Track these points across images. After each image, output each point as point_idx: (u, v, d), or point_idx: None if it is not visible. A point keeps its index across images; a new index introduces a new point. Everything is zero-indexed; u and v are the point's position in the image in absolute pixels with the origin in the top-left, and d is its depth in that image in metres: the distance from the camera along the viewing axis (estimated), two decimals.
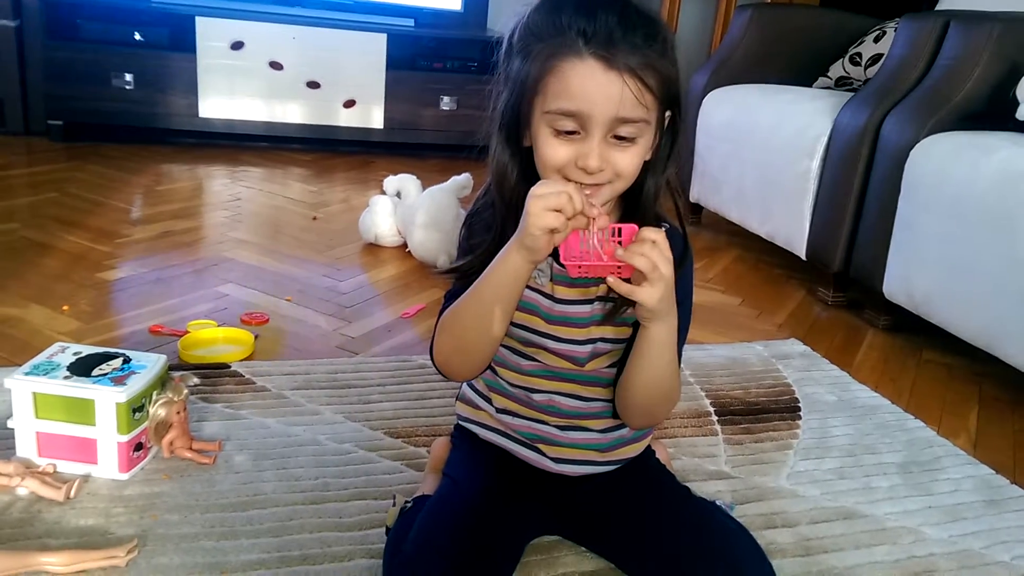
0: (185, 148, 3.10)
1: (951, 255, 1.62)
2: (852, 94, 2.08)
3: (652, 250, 0.74)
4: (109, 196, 2.38)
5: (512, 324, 0.91)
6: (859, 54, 2.46)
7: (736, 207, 2.39)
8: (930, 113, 1.74)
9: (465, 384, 1.03)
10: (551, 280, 0.89)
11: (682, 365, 1.53)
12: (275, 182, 2.78)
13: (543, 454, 0.95)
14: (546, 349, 0.91)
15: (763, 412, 1.42)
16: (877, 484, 1.21)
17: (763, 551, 0.86)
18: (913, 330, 1.82)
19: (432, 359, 0.90)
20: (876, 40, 2.43)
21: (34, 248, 1.89)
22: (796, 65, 2.57)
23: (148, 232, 2.11)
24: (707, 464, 1.23)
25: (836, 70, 2.52)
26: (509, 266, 0.79)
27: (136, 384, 1.05)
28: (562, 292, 0.89)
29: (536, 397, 0.93)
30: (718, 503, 1.02)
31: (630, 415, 0.90)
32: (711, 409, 1.41)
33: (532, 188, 0.75)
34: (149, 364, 1.10)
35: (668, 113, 0.83)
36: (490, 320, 0.83)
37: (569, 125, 0.77)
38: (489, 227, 0.87)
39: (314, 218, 2.37)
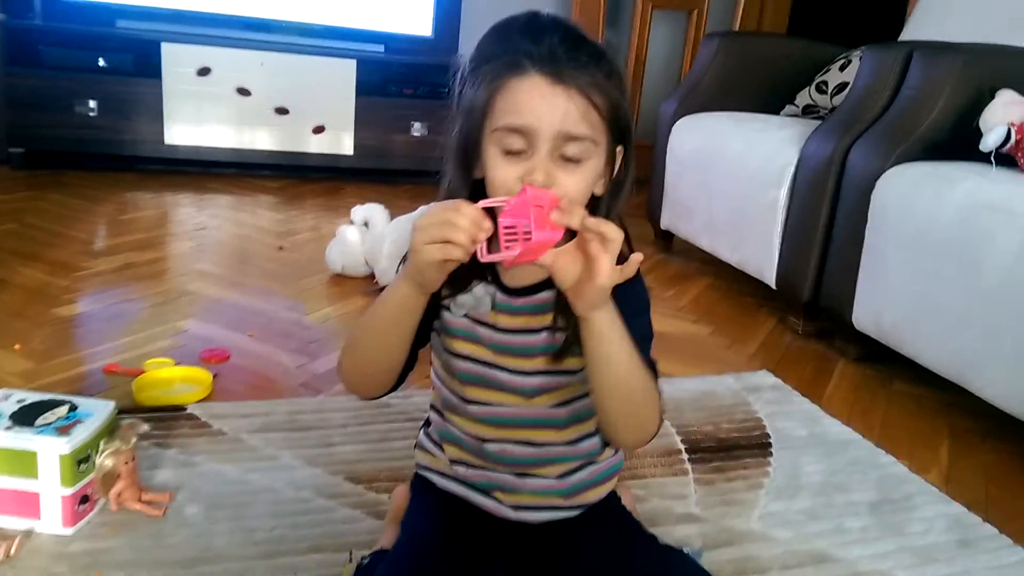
0: (151, 175, 3.05)
1: (917, 285, 1.62)
2: (819, 122, 2.09)
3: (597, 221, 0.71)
4: (70, 227, 2.33)
5: (455, 356, 0.89)
6: (825, 82, 2.48)
7: (707, 235, 2.38)
8: (895, 143, 1.75)
9: (422, 431, 1.00)
10: (493, 309, 0.86)
11: None
12: (242, 210, 2.74)
13: (500, 502, 0.92)
14: (494, 382, 0.88)
15: (734, 448, 1.40)
16: (849, 525, 1.19)
17: None
18: (883, 360, 1.81)
19: (340, 377, 0.89)
20: (842, 68, 2.45)
21: None
22: (764, 93, 2.59)
23: (109, 264, 2.06)
24: (677, 507, 1.20)
25: (803, 98, 2.54)
26: (400, 296, 0.79)
27: (81, 434, 1.01)
28: (505, 321, 0.86)
29: (488, 447, 0.90)
30: (686, 550, 0.99)
31: (614, 431, 0.85)
32: (681, 447, 1.39)
33: (417, 218, 0.74)
34: (96, 412, 1.06)
35: (620, 149, 0.82)
36: (387, 346, 0.83)
37: (516, 143, 0.76)
38: None
39: (280, 248, 2.33)
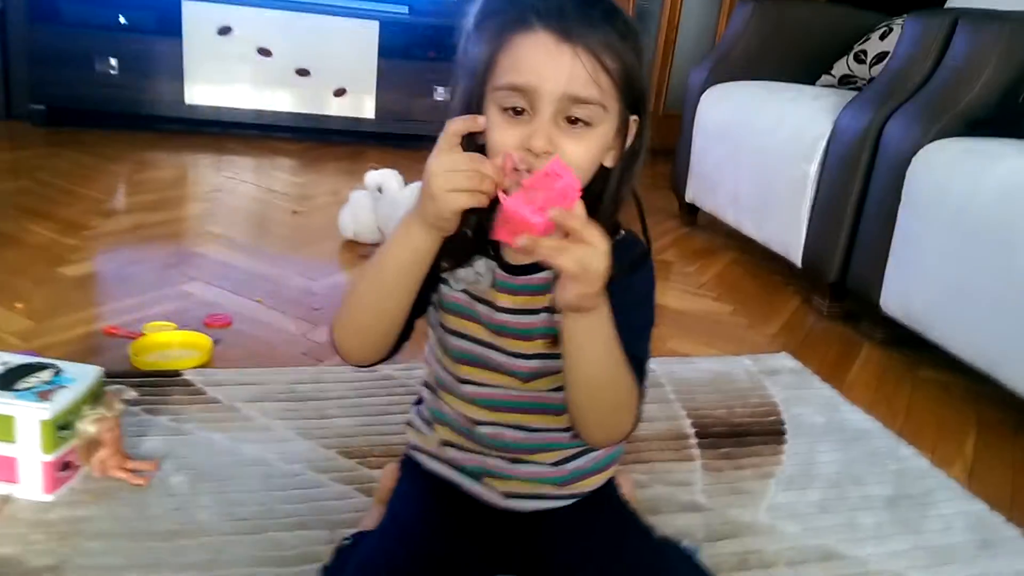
0: (170, 135, 3.03)
1: (951, 269, 1.53)
2: (855, 93, 1.99)
3: (585, 249, 0.64)
4: (84, 185, 2.31)
5: (451, 333, 0.84)
6: (864, 51, 2.36)
7: (732, 210, 2.30)
8: (935, 117, 1.65)
9: (413, 409, 0.95)
10: (492, 286, 0.81)
11: (664, 381, 1.47)
12: (260, 172, 2.71)
13: (492, 488, 0.88)
14: (489, 363, 0.83)
15: (746, 435, 1.34)
16: (862, 520, 1.13)
17: None
18: (911, 345, 1.73)
19: (331, 337, 0.81)
20: (882, 37, 2.33)
21: None
22: (799, 62, 2.48)
23: (119, 224, 2.03)
24: (681, 494, 1.15)
25: (840, 68, 2.42)
26: (414, 243, 0.72)
27: (63, 399, 0.98)
28: (505, 300, 0.81)
29: (480, 429, 0.85)
30: (684, 544, 0.94)
31: (583, 427, 0.79)
32: (691, 431, 1.33)
33: (432, 162, 0.67)
34: (81, 377, 1.03)
35: (634, 118, 0.76)
36: (391, 298, 0.76)
37: (518, 101, 0.70)
38: None
39: (294, 212, 2.29)
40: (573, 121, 0.70)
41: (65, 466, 1.00)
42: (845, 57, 2.42)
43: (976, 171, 1.50)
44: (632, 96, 0.74)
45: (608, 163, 0.76)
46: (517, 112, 0.71)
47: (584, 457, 0.89)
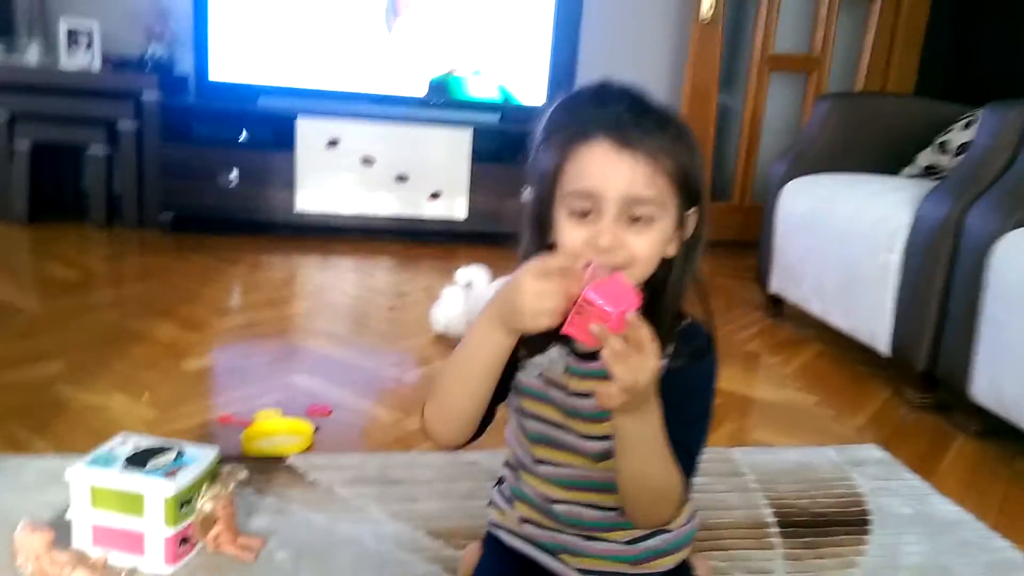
0: (282, 239, 3.28)
1: None
2: (938, 183, 2.00)
3: (641, 360, 0.71)
4: (205, 285, 2.54)
5: (528, 416, 0.91)
6: (947, 142, 2.38)
7: (817, 300, 2.31)
8: (1016, 205, 1.66)
9: (495, 489, 1.02)
10: (565, 371, 0.88)
11: (746, 469, 1.49)
12: (361, 272, 2.90)
13: (567, 564, 0.93)
14: (562, 444, 0.89)
15: (829, 524, 1.33)
16: None
17: None
18: (1007, 435, 1.68)
19: (422, 423, 0.89)
20: (966, 127, 2.35)
21: (129, 337, 2.02)
22: (881, 154, 2.51)
23: (236, 321, 2.22)
24: None
25: (924, 158, 2.44)
26: (496, 341, 0.79)
27: (185, 478, 1.10)
28: (576, 384, 0.88)
29: (556, 507, 0.91)
30: None
31: (629, 511, 0.86)
32: (772, 519, 1.34)
33: (525, 281, 0.74)
34: (200, 458, 1.15)
35: (693, 210, 0.84)
36: (473, 390, 0.83)
37: (585, 205, 0.79)
38: None
39: (390, 308, 2.44)
40: (635, 219, 0.79)
41: (184, 540, 1.11)
42: (929, 148, 2.44)
43: None
44: (688, 191, 0.82)
45: (670, 252, 0.84)
46: (584, 215, 0.79)
47: (657, 537, 0.94)
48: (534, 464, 0.93)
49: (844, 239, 2.16)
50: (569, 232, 0.80)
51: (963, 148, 2.31)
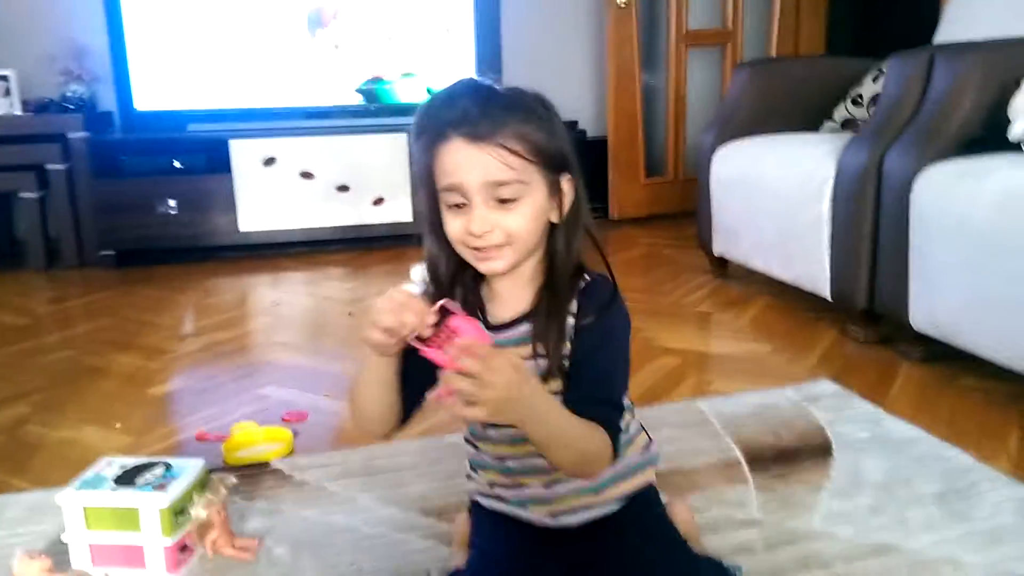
0: (229, 261, 3.26)
1: (966, 280, 1.62)
2: (855, 135, 2.12)
3: (475, 371, 0.75)
4: (159, 315, 2.52)
5: None
6: (860, 95, 2.51)
7: (759, 256, 2.41)
8: (927, 145, 1.77)
9: (468, 461, 1.07)
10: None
11: (712, 418, 1.56)
12: (313, 284, 2.91)
13: (538, 512, 0.98)
14: None
15: (794, 456, 1.42)
16: (913, 516, 1.20)
17: None
18: (949, 359, 1.80)
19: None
20: (875, 80, 2.48)
21: (90, 372, 2.01)
22: (800, 113, 2.63)
23: (195, 345, 2.22)
24: (737, 513, 1.23)
25: (840, 112, 2.57)
26: (372, 361, 0.88)
27: (177, 489, 1.12)
28: None
29: (510, 463, 0.97)
30: (725, 564, 1.01)
31: (565, 474, 0.93)
32: (741, 458, 1.41)
33: (381, 297, 0.83)
34: (188, 469, 1.17)
35: (566, 177, 0.91)
36: (375, 398, 0.92)
37: (456, 198, 0.87)
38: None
39: (349, 314, 2.47)
40: (503, 201, 0.87)
41: (183, 548, 1.13)
42: (843, 102, 2.57)
43: (972, 186, 1.61)
44: (551, 161, 0.89)
45: (554, 219, 0.92)
46: (459, 206, 0.88)
47: (611, 468, 0.98)
48: (484, 431, 0.98)
49: (776, 196, 2.27)
50: (450, 223, 0.89)
51: (875, 99, 2.44)
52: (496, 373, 0.75)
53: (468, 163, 0.85)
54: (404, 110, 3.49)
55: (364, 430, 0.97)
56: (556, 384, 0.92)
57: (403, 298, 0.82)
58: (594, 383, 0.90)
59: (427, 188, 0.90)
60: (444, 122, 0.86)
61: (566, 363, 0.90)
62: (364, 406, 0.93)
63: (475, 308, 0.95)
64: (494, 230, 0.87)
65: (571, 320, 0.91)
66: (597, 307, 0.91)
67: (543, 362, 0.91)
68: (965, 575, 1.06)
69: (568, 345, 0.90)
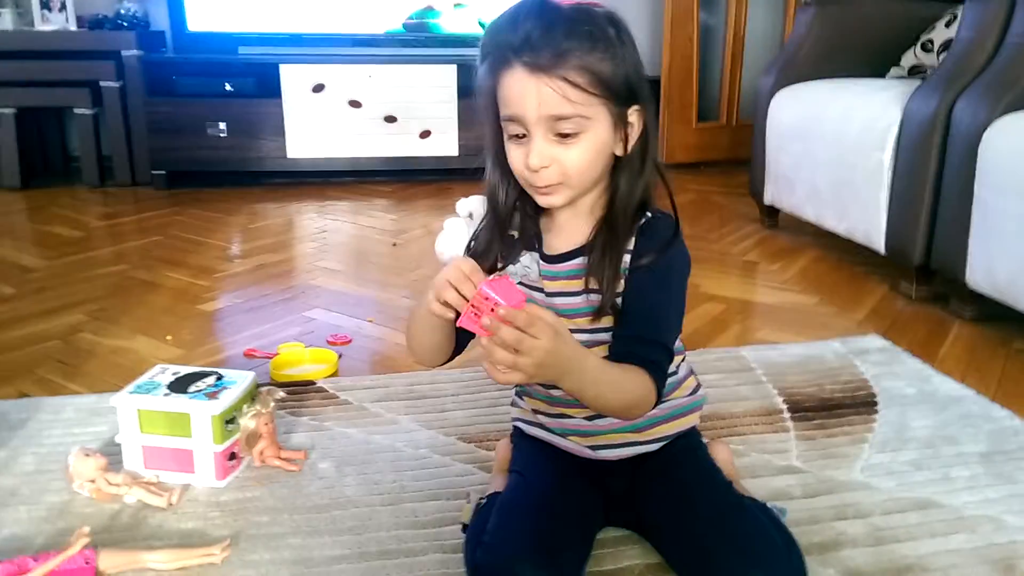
0: (276, 187, 3.29)
1: None
2: (923, 81, 2.03)
3: (512, 341, 0.74)
4: (208, 236, 2.56)
5: None
6: (931, 40, 2.40)
7: (811, 206, 2.35)
8: (1001, 93, 1.69)
9: (514, 388, 1.08)
10: (540, 276, 0.94)
11: (755, 365, 1.55)
12: (359, 213, 2.92)
13: (579, 444, 0.99)
14: None
15: (837, 408, 1.40)
16: (957, 474, 1.19)
17: (796, 552, 0.88)
18: (1002, 319, 1.75)
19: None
20: (947, 25, 2.37)
21: (142, 286, 2.06)
22: (866, 58, 2.53)
23: (243, 266, 2.25)
24: (776, 460, 1.23)
25: (908, 58, 2.46)
26: (422, 312, 0.88)
27: (227, 398, 1.15)
28: (550, 285, 0.94)
29: (555, 392, 0.97)
30: (768, 505, 1.01)
31: (596, 409, 0.92)
32: (783, 407, 1.40)
33: (448, 264, 0.82)
34: (239, 380, 1.20)
35: (635, 108, 0.88)
36: (430, 340, 0.93)
37: (517, 129, 0.85)
38: (490, 244, 0.96)
39: (394, 244, 2.48)
40: (563, 135, 0.84)
41: (232, 456, 1.16)
42: (912, 48, 2.46)
43: None
44: (617, 92, 0.85)
45: (619, 152, 0.89)
46: (520, 136, 0.85)
47: (657, 406, 0.98)
48: None
49: (835, 143, 2.20)
50: (512, 153, 0.87)
51: (946, 46, 2.33)
52: (533, 342, 0.74)
53: (528, 95, 0.82)
54: (454, 41, 3.44)
55: (418, 360, 0.99)
56: (608, 321, 0.91)
57: (469, 269, 0.80)
58: (645, 323, 0.89)
59: (491, 114, 0.88)
60: (506, 46, 0.83)
61: (619, 301, 0.89)
62: (419, 340, 0.95)
63: (532, 238, 0.94)
64: (552, 165, 0.85)
65: (627, 257, 0.89)
66: (656, 246, 0.89)
67: (595, 297, 0.91)
68: (1007, 536, 1.04)
69: (623, 282, 0.89)
